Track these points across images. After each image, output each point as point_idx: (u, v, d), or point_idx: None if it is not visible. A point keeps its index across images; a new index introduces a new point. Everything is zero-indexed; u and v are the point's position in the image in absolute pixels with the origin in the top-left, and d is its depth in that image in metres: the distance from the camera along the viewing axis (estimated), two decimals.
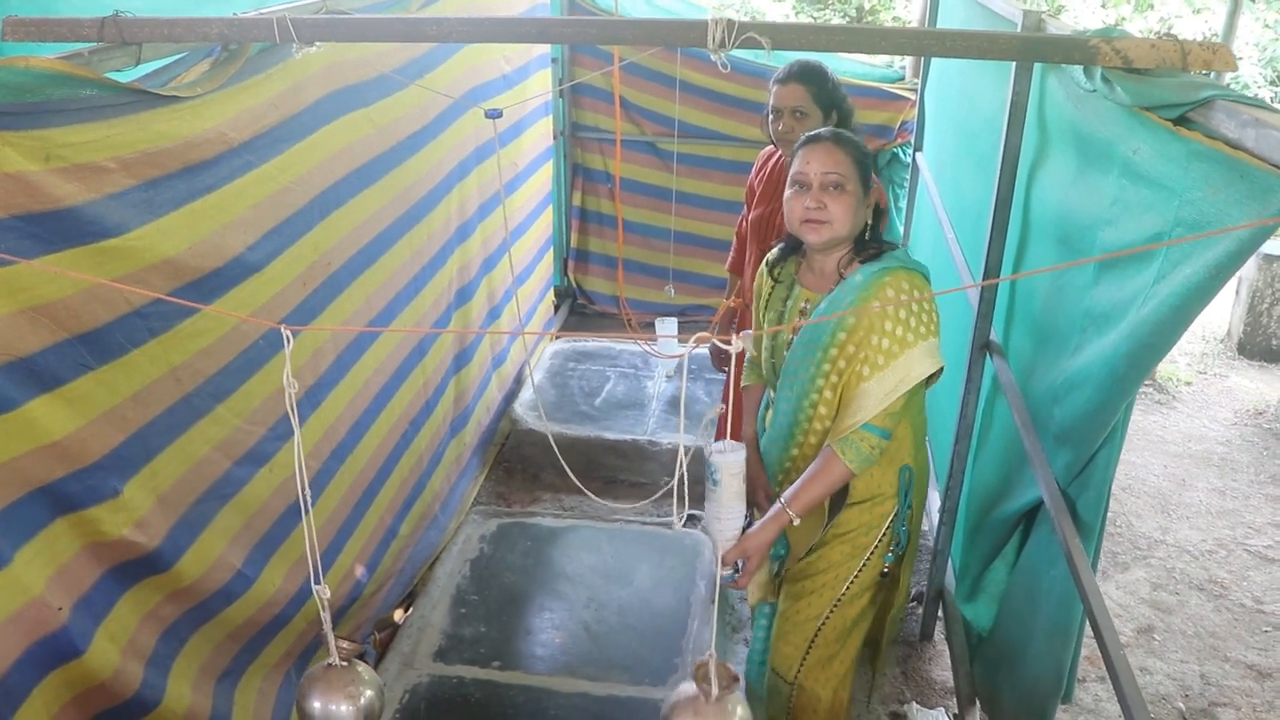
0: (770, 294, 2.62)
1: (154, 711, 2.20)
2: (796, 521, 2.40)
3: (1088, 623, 2.60)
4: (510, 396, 5.08)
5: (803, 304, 2.51)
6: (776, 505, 2.42)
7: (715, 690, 1.46)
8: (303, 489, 1.33)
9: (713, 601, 3.55)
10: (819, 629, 2.62)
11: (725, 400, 3.82)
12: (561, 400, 5.02)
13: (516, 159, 4.84)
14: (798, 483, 2.43)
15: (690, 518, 4.00)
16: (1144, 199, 2.02)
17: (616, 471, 4.68)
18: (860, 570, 2.56)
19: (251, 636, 2.68)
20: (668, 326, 5.08)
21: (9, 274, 1.74)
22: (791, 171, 2.41)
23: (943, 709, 3.39)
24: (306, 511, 1.36)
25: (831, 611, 2.59)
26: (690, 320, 5.43)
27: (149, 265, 2.06)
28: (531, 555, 3.83)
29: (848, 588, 2.58)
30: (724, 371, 3.84)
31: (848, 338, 2.35)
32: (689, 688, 1.51)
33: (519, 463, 4.84)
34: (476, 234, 4.28)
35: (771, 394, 2.65)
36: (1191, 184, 1.78)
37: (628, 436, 4.67)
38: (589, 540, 3.93)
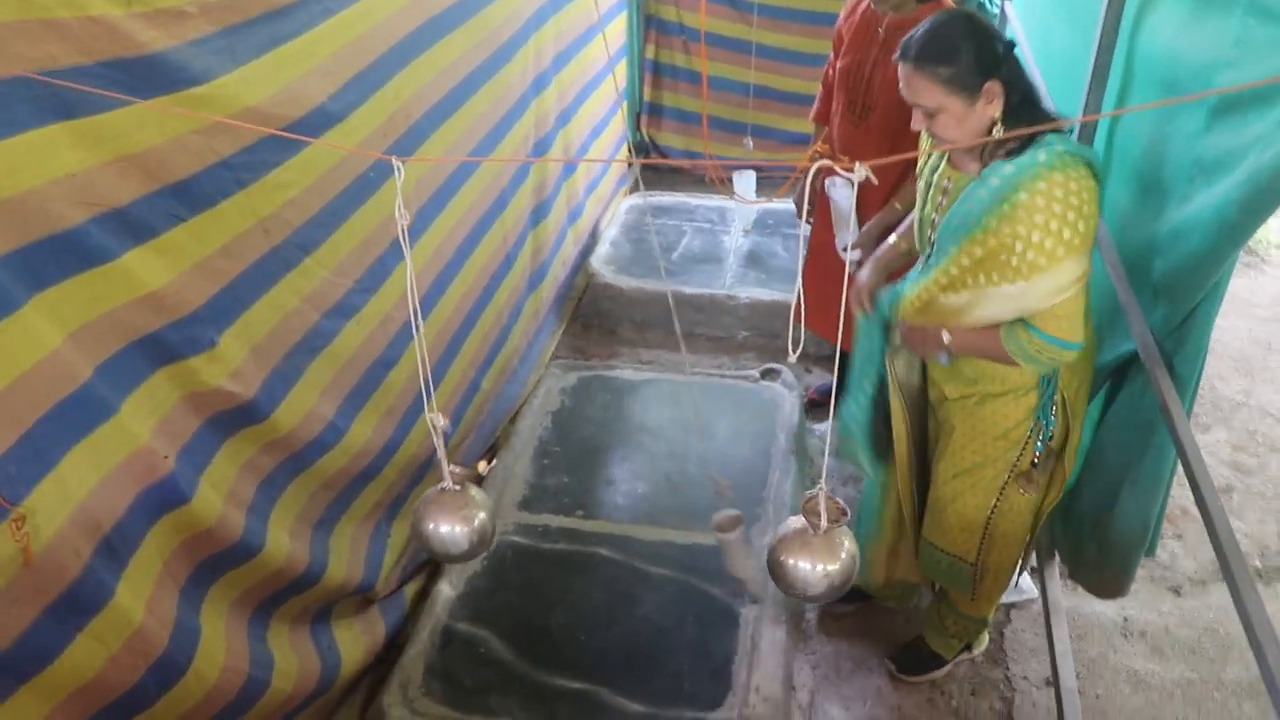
0: (927, 160, 2.44)
1: (257, 557, 2.24)
2: (946, 339, 2.29)
3: (1173, 478, 2.57)
4: (586, 251, 5.03)
5: (945, 182, 2.31)
6: (944, 330, 2.31)
7: (824, 523, 1.46)
8: (415, 311, 1.31)
9: (792, 449, 3.53)
10: (990, 515, 2.57)
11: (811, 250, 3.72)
12: (638, 255, 4.97)
13: (591, 9, 4.69)
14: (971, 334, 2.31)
15: (769, 371, 3.97)
16: (1273, 38, 1.87)
17: (694, 325, 4.64)
18: (1018, 460, 2.48)
19: (344, 487, 2.71)
20: (745, 180, 4.96)
21: (99, 122, 1.70)
22: None
23: None
24: (418, 328, 1.35)
25: (1000, 499, 2.53)
26: (767, 176, 5.31)
27: (233, 115, 2.01)
28: (611, 408, 3.83)
29: (1011, 475, 2.50)
30: (809, 224, 3.74)
31: (985, 235, 2.12)
32: (797, 521, 1.51)
33: (596, 317, 4.82)
34: (553, 86, 4.18)
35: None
36: None
37: (705, 290, 4.62)
38: (668, 393, 3.92)
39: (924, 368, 2.63)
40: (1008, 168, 2.10)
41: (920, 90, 2.10)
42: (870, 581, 3.03)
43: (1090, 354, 2.47)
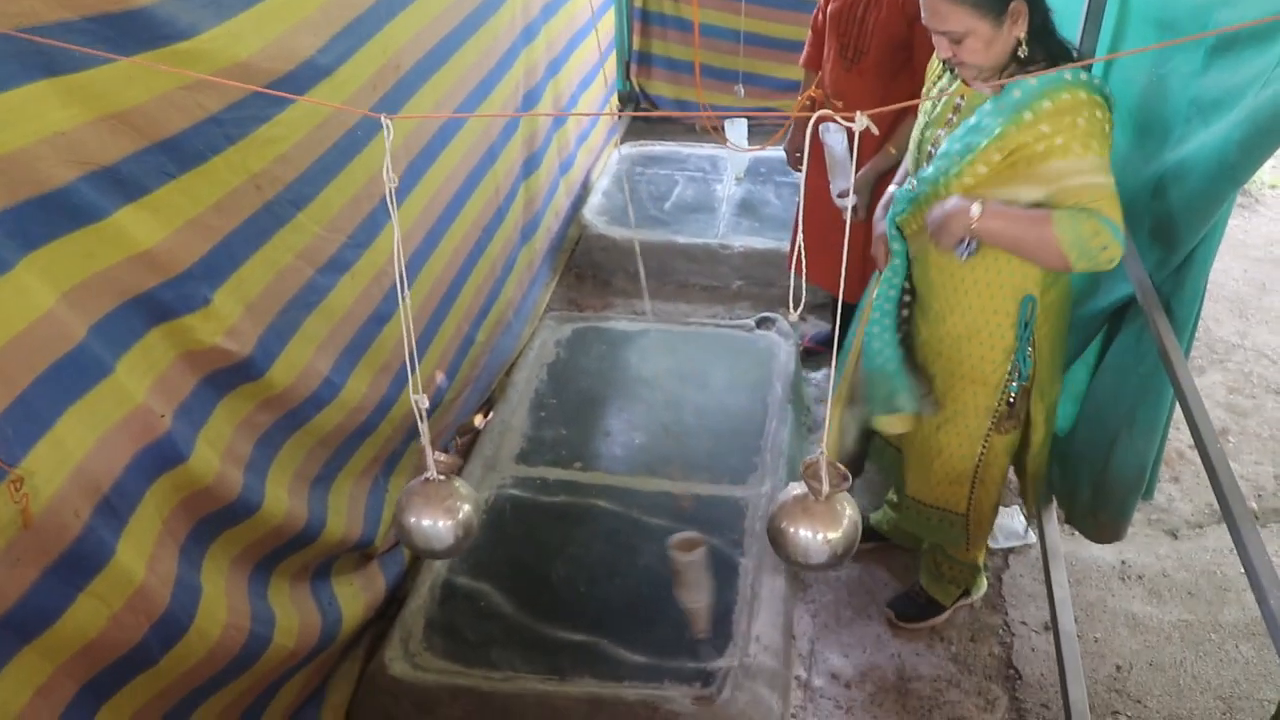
0: (936, 80, 2.45)
1: (256, 515, 2.24)
2: (975, 212, 2.15)
3: (1172, 420, 2.58)
4: (578, 202, 5.01)
5: (958, 99, 2.31)
6: (974, 202, 2.17)
7: (825, 488, 1.43)
8: (400, 277, 1.30)
9: (789, 398, 3.54)
10: (978, 465, 2.59)
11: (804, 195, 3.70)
12: (630, 205, 4.94)
13: None
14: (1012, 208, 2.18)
15: (764, 320, 3.97)
16: None
17: (688, 275, 4.64)
18: (998, 405, 2.49)
19: (341, 443, 2.71)
20: (737, 129, 4.92)
21: (86, 79, 1.67)
22: None
23: (1016, 506, 3.39)
24: (403, 297, 1.33)
25: (985, 447, 2.56)
26: (758, 123, 5.26)
27: (222, 69, 1.98)
28: (607, 359, 3.83)
29: (994, 422, 2.52)
30: (799, 171, 3.72)
31: (1003, 140, 2.12)
32: (798, 486, 1.48)
33: (589, 268, 4.82)
34: (541, 36, 4.14)
35: (912, 181, 2.43)
36: None
37: (699, 240, 4.62)
38: (664, 343, 3.91)
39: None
40: (1032, 80, 2.10)
41: (947, 15, 2.09)
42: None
43: (1065, 299, 2.47)
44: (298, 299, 2.40)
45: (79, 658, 1.76)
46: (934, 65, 2.46)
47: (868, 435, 2.82)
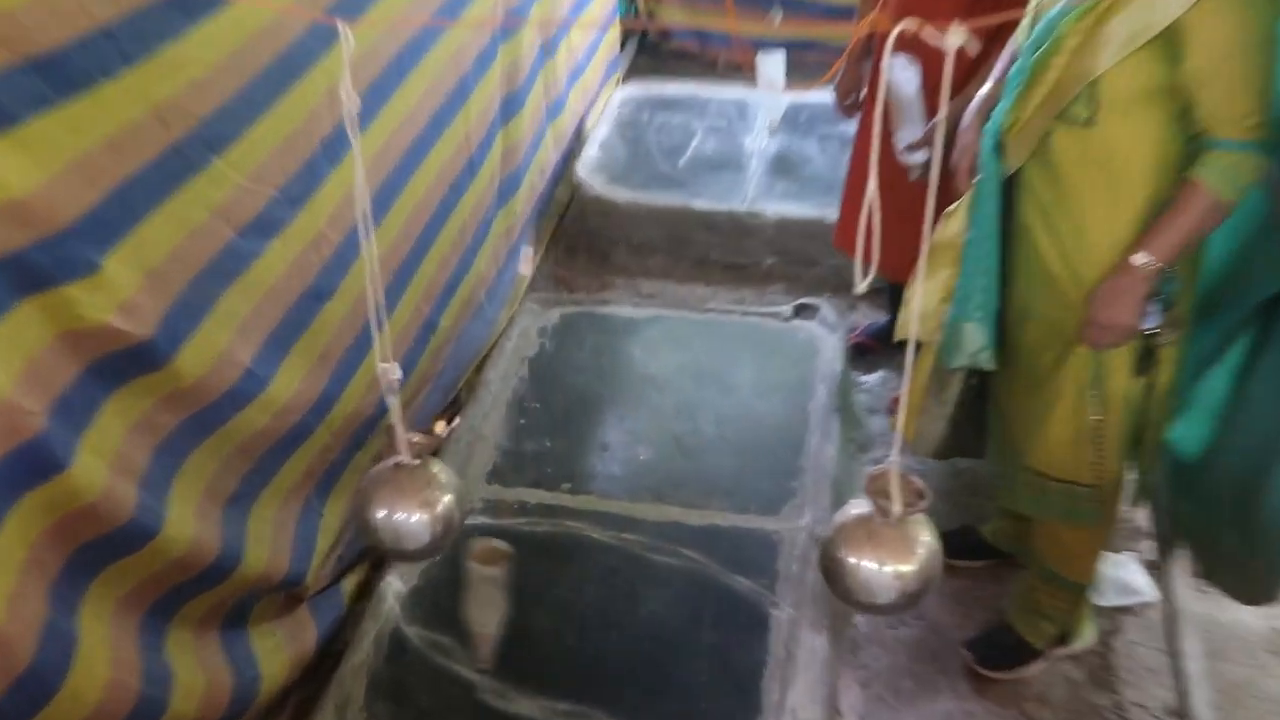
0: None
1: (152, 542, 2.19)
2: (1140, 261, 2.34)
3: None
4: (569, 155, 4.97)
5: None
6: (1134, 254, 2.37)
7: (897, 508, 1.40)
8: (365, 218, 1.23)
9: (835, 406, 3.48)
10: (1102, 420, 2.59)
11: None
12: (635, 160, 4.91)
13: None
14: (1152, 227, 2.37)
15: (804, 307, 3.92)
16: None
17: (708, 250, 4.64)
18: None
19: (265, 452, 2.67)
20: (773, 62, 4.86)
21: None
22: None
23: (1130, 554, 3.31)
24: (367, 234, 1.26)
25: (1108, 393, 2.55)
26: (799, 58, 5.21)
27: None
28: (605, 353, 3.84)
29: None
30: (851, 118, 3.66)
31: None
32: (861, 504, 1.46)
33: (584, 238, 4.82)
34: None
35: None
36: None
37: (722, 206, 4.60)
38: (676, 334, 3.92)
39: None
40: None
41: None
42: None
43: None
44: (213, 268, 2.34)
45: None
46: None
47: (972, 413, 2.89)
